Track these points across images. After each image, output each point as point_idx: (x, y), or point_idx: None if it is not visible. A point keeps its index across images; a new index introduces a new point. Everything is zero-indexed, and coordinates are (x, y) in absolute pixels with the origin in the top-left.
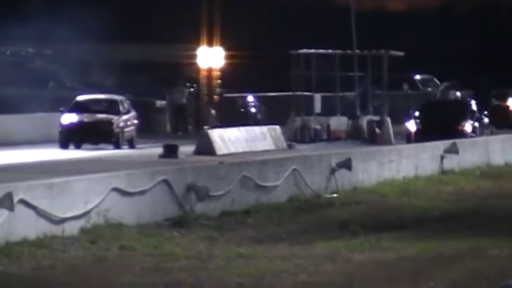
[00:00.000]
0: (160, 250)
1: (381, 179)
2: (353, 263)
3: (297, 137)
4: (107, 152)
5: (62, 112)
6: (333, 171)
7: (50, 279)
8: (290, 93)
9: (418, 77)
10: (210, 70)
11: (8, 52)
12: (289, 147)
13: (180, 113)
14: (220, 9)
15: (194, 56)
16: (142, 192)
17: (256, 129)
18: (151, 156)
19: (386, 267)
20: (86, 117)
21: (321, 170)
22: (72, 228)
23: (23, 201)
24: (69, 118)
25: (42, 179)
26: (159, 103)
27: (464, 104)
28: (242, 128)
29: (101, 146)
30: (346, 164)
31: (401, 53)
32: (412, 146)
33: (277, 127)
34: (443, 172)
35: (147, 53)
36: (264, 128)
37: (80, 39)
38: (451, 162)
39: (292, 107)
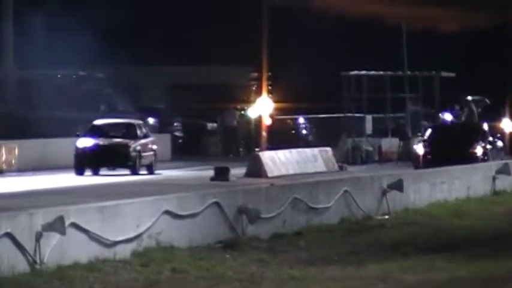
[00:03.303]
0: (212, 273)
1: (433, 200)
2: (405, 285)
3: (348, 158)
4: (154, 176)
5: (78, 136)
6: (384, 193)
7: None
8: (341, 114)
9: (469, 97)
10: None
11: (59, 75)
12: (341, 168)
13: (231, 136)
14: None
15: (246, 78)
16: (193, 215)
17: (307, 151)
18: (202, 178)
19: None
20: (102, 141)
21: (372, 191)
22: (123, 252)
23: (74, 225)
24: (85, 142)
25: (93, 202)
26: (210, 125)
27: (475, 126)
28: (293, 150)
29: (118, 171)
30: (398, 186)
31: (452, 74)
32: (464, 167)
33: (328, 149)
34: (495, 193)
35: (198, 75)
36: (315, 150)
37: (131, 62)
38: (503, 183)
39: (343, 128)
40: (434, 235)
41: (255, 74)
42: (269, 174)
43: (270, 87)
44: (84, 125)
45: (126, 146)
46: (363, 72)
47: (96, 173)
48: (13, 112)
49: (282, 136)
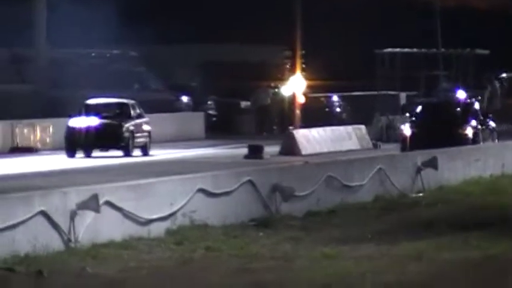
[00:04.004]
0: (246, 251)
1: (467, 177)
2: (439, 263)
3: (382, 136)
4: (191, 153)
5: (70, 116)
6: (418, 171)
7: (136, 281)
8: (375, 92)
9: (504, 75)
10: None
11: (93, 54)
12: (375, 146)
13: (265, 114)
14: (302, 9)
15: (279, 56)
16: (227, 193)
17: (341, 129)
18: (236, 157)
19: (472, 266)
20: (94, 121)
21: (406, 169)
22: (158, 230)
23: (108, 203)
24: (76, 123)
25: (127, 180)
26: (244, 104)
27: (465, 105)
28: (327, 128)
29: (110, 153)
30: (432, 163)
31: (486, 51)
32: (498, 145)
33: (362, 126)
34: None
35: (232, 53)
36: (349, 128)
37: (164, 40)
38: None
39: (377, 106)
40: (469, 213)
41: (289, 52)
42: (303, 152)
43: (303, 65)
44: None
45: (119, 126)
46: (397, 49)
47: (88, 155)
48: (47, 91)
49: (316, 114)
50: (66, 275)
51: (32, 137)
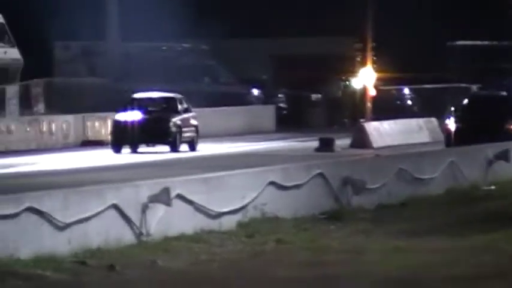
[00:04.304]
0: (317, 243)
1: None
2: (511, 255)
3: None
4: (261, 147)
5: (117, 111)
6: (490, 163)
7: (207, 274)
8: (446, 85)
9: None
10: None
11: (164, 48)
12: None
13: (336, 107)
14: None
15: (350, 49)
16: (298, 186)
17: (412, 122)
18: (307, 150)
19: None
20: (140, 116)
21: (478, 162)
22: (229, 223)
23: (180, 196)
24: (123, 117)
25: (198, 173)
26: (315, 97)
27: None
28: (398, 121)
29: (157, 148)
30: (504, 156)
31: None
32: None
33: (433, 119)
34: None
35: (303, 46)
36: (420, 121)
37: (235, 34)
38: None
39: (448, 99)
40: None
41: (359, 45)
42: (374, 145)
43: (374, 58)
44: (188, 97)
45: (166, 121)
46: (469, 42)
47: (134, 150)
48: (118, 85)
49: (387, 107)
50: (137, 268)
51: (103, 131)
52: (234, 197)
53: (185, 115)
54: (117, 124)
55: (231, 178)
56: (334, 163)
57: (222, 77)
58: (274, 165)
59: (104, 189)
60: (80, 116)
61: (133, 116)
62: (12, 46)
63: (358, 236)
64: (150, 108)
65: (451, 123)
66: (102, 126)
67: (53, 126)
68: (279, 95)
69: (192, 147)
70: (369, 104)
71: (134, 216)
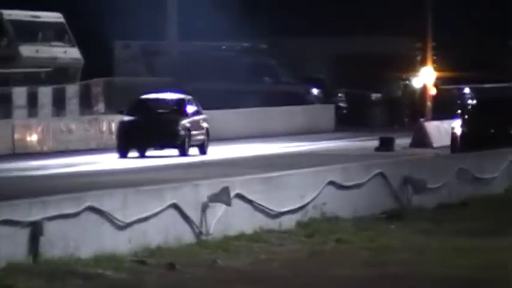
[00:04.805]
0: (377, 243)
1: None
2: None
3: None
4: (320, 146)
5: (122, 113)
6: None
7: (267, 273)
8: (507, 84)
9: None
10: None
11: (224, 47)
12: None
13: (396, 106)
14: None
15: (410, 48)
16: (358, 186)
17: None
18: (366, 149)
19: None
20: (147, 119)
21: None
22: (288, 222)
23: (240, 196)
24: (128, 120)
25: (257, 173)
26: (374, 96)
27: None
28: None
29: (165, 152)
30: None
31: None
32: None
33: None
34: None
35: (362, 45)
36: None
37: (294, 33)
38: None
39: None
40: None
41: (420, 44)
42: (434, 145)
43: (434, 57)
44: (248, 96)
45: (174, 123)
46: None
47: (142, 154)
48: (177, 84)
49: (447, 106)
50: (197, 267)
51: None
52: (294, 197)
53: (195, 117)
54: (123, 127)
55: (290, 178)
56: (394, 162)
57: (281, 76)
58: (334, 164)
59: (163, 189)
60: None
61: (140, 118)
62: (73, 46)
63: (419, 236)
64: (157, 110)
65: (457, 128)
66: None
67: (113, 126)
68: (339, 95)
69: (202, 151)
70: (429, 103)
71: (194, 215)
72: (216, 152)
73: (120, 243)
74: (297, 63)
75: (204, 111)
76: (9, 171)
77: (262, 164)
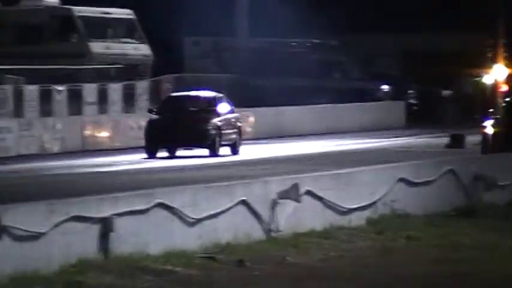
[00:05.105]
0: (447, 240)
1: None
2: None
3: None
4: (390, 143)
5: (151, 112)
6: None
7: (337, 270)
8: None
9: None
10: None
11: (294, 43)
12: None
13: (467, 103)
14: None
15: (481, 45)
16: (428, 183)
17: None
18: (437, 146)
19: None
20: (176, 117)
21: None
22: (358, 219)
23: (309, 193)
24: (157, 119)
25: (327, 170)
26: (445, 93)
27: None
28: None
29: (195, 152)
30: None
31: None
32: None
33: None
34: None
35: (433, 42)
36: None
37: (364, 29)
38: None
39: None
40: None
41: (491, 41)
42: None
43: (505, 54)
44: (318, 93)
45: (204, 122)
46: None
47: (172, 154)
48: (247, 80)
49: None
50: (267, 264)
51: None
52: (364, 193)
53: (226, 116)
54: (151, 126)
55: (360, 174)
56: (465, 159)
57: (351, 72)
58: (404, 161)
59: (233, 186)
60: None
61: (170, 117)
62: (143, 42)
63: (490, 233)
64: (187, 109)
65: (488, 127)
66: None
67: None
68: (410, 91)
69: (234, 151)
70: (500, 101)
71: (263, 212)
72: (286, 148)
73: (190, 240)
74: (367, 59)
75: (273, 108)
76: (79, 168)
77: (332, 161)
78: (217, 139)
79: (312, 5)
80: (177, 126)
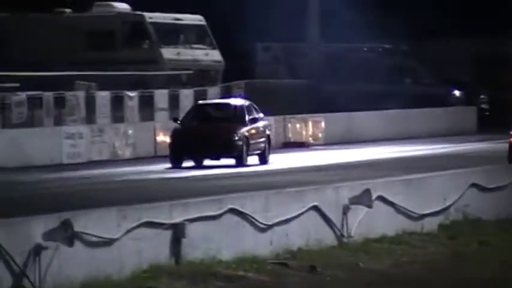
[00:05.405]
0: None
1: None
2: None
3: None
4: (462, 148)
5: (176, 121)
6: None
7: (409, 276)
8: None
9: None
10: None
11: (365, 48)
12: None
13: None
14: None
15: None
16: (501, 188)
17: None
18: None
19: None
20: (202, 126)
21: None
22: (430, 225)
23: (381, 198)
24: (182, 128)
25: (399, 175)
26: None
27: None
28: None
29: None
30: None
31: None
32: None
33: None
34: None
35: (505, 46)
36: None
37: (435, 34)
38: None
39: None
40: None
41: None
42: None
43: None
44: (389, 98)
45: (231, 132)
46: None
47: (198, 164)
48: (319, 86)
49: None
50: (339, 269)
51: (304, 132)
52: (436, 199)
53: (254, 125)
54: (176, 135)
55: (432, 180)
56: None
57: (423, 78)
58: (476, 166)
59: (304, 191)
60: (280, 117)
61: (195, 126)
62: (214, 48)
63: None
64: (214, 118)
65: None
66: (303, 127)
67: None
68: (482, 96)
69: (263, 160)
70: None
71: (335, 217)
72: (358, 153)
73: (261, 245)
74: (439, 64)
75: (345, 113)
76: (150, 174)
77: (404, 166)
78: (245, 149)
79: (384, 10)
80: (202, 136)
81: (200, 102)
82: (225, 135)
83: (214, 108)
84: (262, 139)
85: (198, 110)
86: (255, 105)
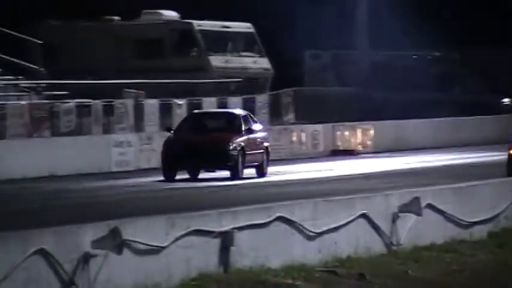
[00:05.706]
0: None
1: None
2: None
3: None
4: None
5: (169, 131)
6: None
7: (459, 284)
8: None
9: None
10: None
11: (415, 56)
12: None
13: None
14: None
15: None
16: None
17: None
18: None
19: None
20: (195, 136)
21: None
22: (480, 233)
23: (430, 206)
24: (175, 139)
25: (448, 183)
26: None
27: None
28: None
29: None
30: None
31: None
32: None
33: None
34: None
35: None
36: None
37: (484, 42)
38: None
39: None
40: None
41: None
42: None
43: None
44: (438, 106)
45: (225, 142)
46: None
47: (193, 176)
48: (368, 94)
49: None
50: (388, 278)
51: (352, 140)
52: (485, 207)
53: (251, 135)
54: (168, 146)
55: (482, 188)
56: None
57: (472, 86)
58: None
59: (353, 199)
60: (329, 125)
61: (189, 136)
62: (262, 56)
63: None
64: (208, 128)
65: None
66: (351, 135)
67: (303, 136)
68: None
69: (261, 172)
70: None
71: (383, 225)
72: (407, 161)
73: (310, 253)
74: (489, 73)
75: (394, 121)
76: (199, 181)
77: (453, 174)
78: (240, 160)
79: (434, 17)
80: (194, 146)
81: (195, 111)
82: (218, 145)
83: (209, 118)
84: (260, 150)
85: (191, 120)
86: (252, 116)
